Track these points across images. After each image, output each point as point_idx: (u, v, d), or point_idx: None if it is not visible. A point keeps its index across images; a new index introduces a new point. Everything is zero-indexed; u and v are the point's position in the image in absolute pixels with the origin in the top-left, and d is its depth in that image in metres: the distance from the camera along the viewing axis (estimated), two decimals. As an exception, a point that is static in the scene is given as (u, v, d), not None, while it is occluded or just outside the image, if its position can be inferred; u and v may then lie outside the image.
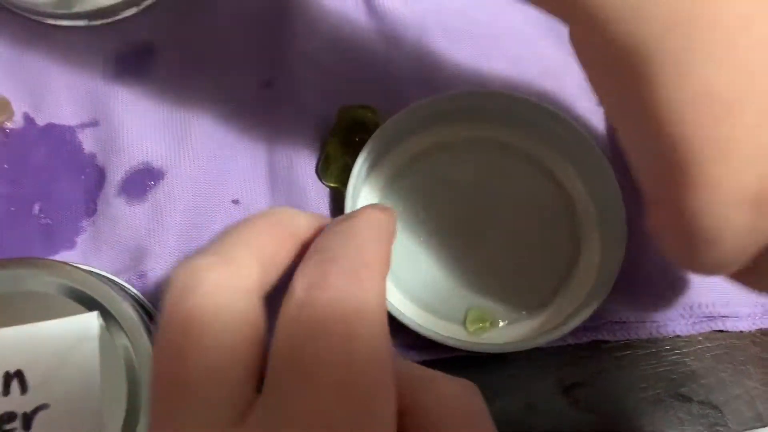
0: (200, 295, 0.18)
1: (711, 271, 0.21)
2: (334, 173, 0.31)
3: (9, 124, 0.33)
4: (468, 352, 0.28)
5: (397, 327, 0.28)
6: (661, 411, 0.30)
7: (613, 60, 0.19)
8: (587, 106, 0.33)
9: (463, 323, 0.30)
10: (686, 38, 0.18)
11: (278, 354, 0.18)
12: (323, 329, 0.18)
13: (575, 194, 0.31)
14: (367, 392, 0.17)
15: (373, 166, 0.31)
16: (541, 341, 0.28)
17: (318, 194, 0.31)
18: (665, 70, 0.18)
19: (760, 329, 0.31)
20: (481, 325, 0.30)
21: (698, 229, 0.19)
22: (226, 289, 0.19)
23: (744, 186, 0.18)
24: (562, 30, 0.20)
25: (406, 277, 0.30)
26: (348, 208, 0.29)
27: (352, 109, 0.32)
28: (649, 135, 0.19)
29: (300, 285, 0.18)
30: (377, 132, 0.30)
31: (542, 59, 0.34)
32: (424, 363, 0.24)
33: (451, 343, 0.28)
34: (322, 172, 0.31)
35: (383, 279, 0.20)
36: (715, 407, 0.30)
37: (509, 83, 0.34)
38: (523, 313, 0.30)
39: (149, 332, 0.27)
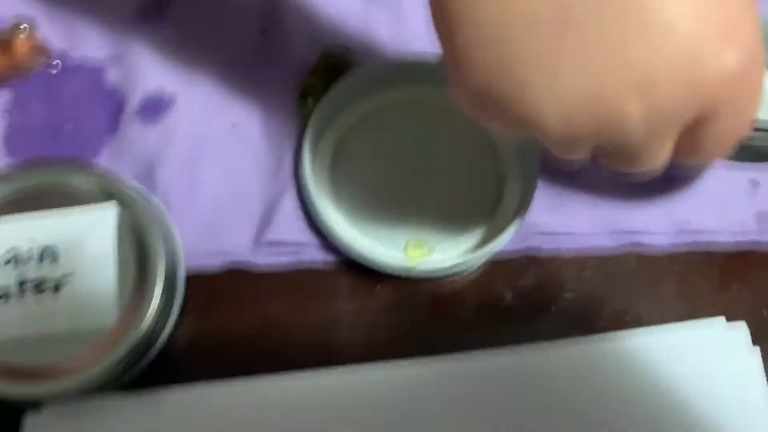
0: None
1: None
2: (309, 106, 0.37)
3: (45, 60, 0.39)
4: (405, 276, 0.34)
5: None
6: (583, 313, 0.35)
7: None
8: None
9: (404, 250, 0.35)
10: None
11: None
12: None
13: (501, 147, 0.37)
14: None
15: (339, 108, 0.37)
16: (475, 259, 0.33)
17: (296, 120, 0.37)
18: None
19: (674, 244, 0.36)
20: (420, 250, 0.35)
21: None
22: None
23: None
24: None
25: (356, 214, 0.35)
26: (307, 140, 0.35)
27: (331, 51, 0.38)
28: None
29: None
30: (344, 80, 0.35)
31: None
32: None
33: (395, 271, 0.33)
34: (301, 102, 0.37)
35: None
36: (633, 312, 0.35)
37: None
38: (458, 238, 0.35)
39: (156, 220, 0.33)
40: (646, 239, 0.36)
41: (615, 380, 0.33)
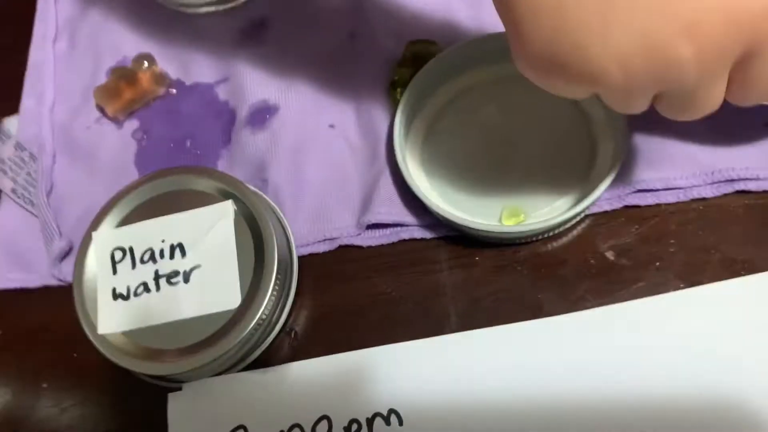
0: None
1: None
2: (398, 95, 0.39)
3: (165, 89, 0.44)
4: (510, 239, 0.35)
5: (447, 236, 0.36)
6: (690, 266, 0.34)
7: None
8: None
9: (500, 221, 0.36)
10: None
11: None
12: None
13: (588, 108, 0.37)
14: None
15: (428, 93, 0.39)
16: (572, 212, 0.34)
17: (388, 111, 0.39)
18: None
19: (782, 188, 0.35)
20: (516, 219, 0.36)
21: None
22: None
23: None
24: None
25: (450, 190, 0.37)
26: (397, 126, 0.37)
27: (418, 42, 0.41)
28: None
29: None
30: (428, 64, 0.37)
31: None
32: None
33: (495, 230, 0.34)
34: (391, 92, 0.40)
35: None
36: (742, 260, 0.34)
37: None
38: (553, 204, 0.36)
39: (268, 213, 0.36)
40: (751, 185, 0.35)
41: (728, 330, 0.32)
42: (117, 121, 0.43)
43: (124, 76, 0.43)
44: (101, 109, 0.44)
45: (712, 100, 0.27)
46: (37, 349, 0.39)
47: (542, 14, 0.25)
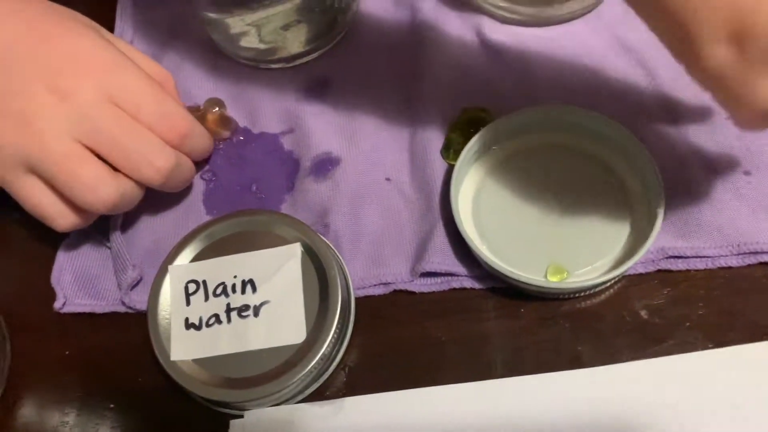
0: None
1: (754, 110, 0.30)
2: (453, 154, 0.43)
3: (235, 135, 0.48)
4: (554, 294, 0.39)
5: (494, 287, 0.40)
6: (716, 327, 0.38)
7: None
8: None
9: (545, 276, 0.39)
10: None
11: None
12: None
13: (625, 177, 0.41)
14: None
15: (479, 155, 0.43)
16: (613, 274, 0.37)
17: (440, 169, 0.43)
18: None
19: (803, 261, 0.38)
20: (560, 276, 0.39)
21: (704, 71, 0.29)
22: None
23: (719, 32, 0.27)
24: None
25: (499, 245, 0.40)
26: (453, 182, 0.40)
27: (471, 109, 0.45)
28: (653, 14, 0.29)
29: None
30: (483, 130, 0.42)
31: (610, 78, 0.45)
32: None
33: (545, 285, 0.38)
34: (444, 153, 0.44)
35: None
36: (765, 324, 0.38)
37: (578, 97, 0.45)
38: (594, 264, 0.39)
39: (332, 257, 0.39)
40: (774, 257, 0.39)
41: (751, 389, 0.36)
42: (187, 163, 0.47)
43: (193, 113, 0.47)
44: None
45: None
46: (103, 371, 0.42)
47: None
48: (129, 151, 0.39)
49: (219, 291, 0.39)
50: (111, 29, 0.52)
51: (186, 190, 0.46)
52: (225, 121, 0.47)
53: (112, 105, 0.39)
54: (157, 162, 0.40)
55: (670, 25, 0.29)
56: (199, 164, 0.47)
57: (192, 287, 0.40)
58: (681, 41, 0.29)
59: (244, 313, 0.39)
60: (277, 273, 0.39)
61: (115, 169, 0.40)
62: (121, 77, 0.40)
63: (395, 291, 0.41)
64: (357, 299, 0.41)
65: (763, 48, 0.27)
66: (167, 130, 0.41)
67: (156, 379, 0.40)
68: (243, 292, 0.39)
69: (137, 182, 0.40)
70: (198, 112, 0.47)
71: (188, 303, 0.39)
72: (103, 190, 0.38)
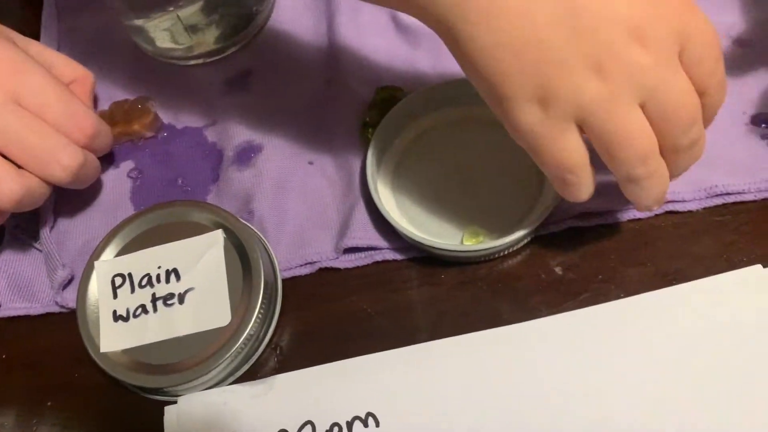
0: None
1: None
2: (369, 135, 0.43)
3: (159, 132, 0.48)
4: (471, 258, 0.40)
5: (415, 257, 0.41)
6: (628, 277, 0.39)
7: (442, 33, 0.32)
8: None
9: (461, 242, 0.40)
10: (468, 10, 0.30)
11: None
12: None
13: None
14: None
15: (396, 131, 0.44)
16: (520, 233, 0.38)
17: (361, 149, 0.44)
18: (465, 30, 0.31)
19: (705, 208, 0.40)
20: (475, 240, 0.40)
21: (517, 126, 0.32)
22: None
23: (527, 94, 0.31)
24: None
25: (418, 217, 0.41)
26: (369, 161, 0.41)
27: (386, 88, 0.46)
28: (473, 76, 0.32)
29: None
30: (396, 106, 0.43)
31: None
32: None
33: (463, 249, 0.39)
34: (361, 133, 0.45)
35: None
36: (675, 270, 0.39)
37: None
38: (507, 228, 0.40)
39: (255, 241, 0.40)
40: (679, 206, 0.40)
41: (662, 334, 0.37)
42: (113, 162, 0.48)
43: (120, 108, 0.48)
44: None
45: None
46: (41, 371, 0.42)
47: None
48: (35, 149, 0.40)
49: (144, 282, 0.40)
50: (37, 37, 0.53)
51: (113, 189, 0.47)
52: (152, 120, 0.48)
53: (17, 106, 0.39)
54: (63, 160, 0.40)
55: (487, 86, 0.32)
56: (125, 163, 0.47)
57: (118, 281, 0.40)
58: (496, 99, 0.32)
59: (169, 302, 0.39)
60: (200, 260, 0.40)
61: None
62: (25, 79, 0.40)
63: (321, 269, 0.42)
64: (284, 280, 0.42)
65: (564, 108, 0.31)
66: (74, 129, 0.41)
67: (92, 374, 0.40)
68: (167, 281, 0.40)
69: (44, 180, 0.41)
70: (126, 105, 0.48)
71: (115, 296, 0.40)
72: (7, 186, 0.39)
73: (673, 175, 0.34)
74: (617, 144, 0.31)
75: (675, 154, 0.33)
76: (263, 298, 0.39)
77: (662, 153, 0.33)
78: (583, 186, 0.34)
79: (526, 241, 0.40)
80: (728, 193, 0.40)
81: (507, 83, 0.31)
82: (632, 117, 0.31)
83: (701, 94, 0.32)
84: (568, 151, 0.32)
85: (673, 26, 0.30)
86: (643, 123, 0.31)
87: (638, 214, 0.40)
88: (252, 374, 0.40)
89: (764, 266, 0.38)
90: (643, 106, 0.31)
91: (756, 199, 0.40)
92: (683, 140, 0.32)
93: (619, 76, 0.30)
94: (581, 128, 0.32)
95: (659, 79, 0.30)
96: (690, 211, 0.40)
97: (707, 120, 0.33)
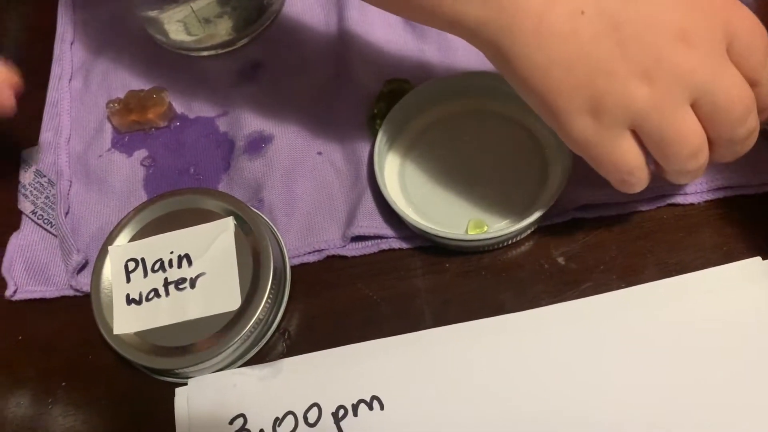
0: None
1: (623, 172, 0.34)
2: (379, 124, 0.44)
3: (172, 122, 0.49)
4: (475, 247, 0.41)
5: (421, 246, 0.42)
6: (629, 268, 0.40)
7: (492, 54, 0.33)
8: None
9: (466, 231, 0.41)
10: (518, 32, 0.32)
11: None
12: None
13: (543, 139, 0.43)
14: None
15: (404, 123, 0.45)
16: (523, 223, 0.39)
17: (369, 140, 0.45)
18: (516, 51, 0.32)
19: (707, 201, 0.41)
20: (479, 230, 0.41)
21: (573, 137, 0.33)
22: None
23: (581, 107, 0.32)
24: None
25: (423, 206, 0.42)
26: (377, 152, 0.42)
27: (394, 81, 0.47)
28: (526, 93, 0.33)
29: None
30: (404, 98, 0.43)
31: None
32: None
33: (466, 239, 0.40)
34: (370, 123, 0.45)
35: None
36: (675, 261, 0.40)
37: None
38: (511, 218, 0.41)
39: (265, 228, 0.41)
40: (680, 199, 0.41)
41: (662, 324, 0.38)
42: (127, 151, 0.49)
43: (135, 97, 0.49)
44: (113, 139, 0.49)
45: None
46: (56, 352, 0.43)
47: None
48: None
49: (157, 267, 0.41)
50: (52, 27, 0.54)
51: (126, 177, 0.48)
52: (167, 110, 0.49)
53: None
54: None
55: (541, 102, 0.33)
56: (138, 151, 0.49)
57: (131, 265, 0.41)
58: (551, 113, 0.34)
59: (181, 286, 0.41)
60: (211, 246, 0.41)
61: None
62: None
63: (329, 257, 0.43)
64: (293, 267, 0.43)
65: (616, 117, 0.32)
66: None
67: (105, 355, 0.42)
68: (179, 266, 0.41)
69: None
70: (141, 95, 0.49)
71: (128, 280, 0.41)
72: None
73: (729, 161, 0.35)
74: (670, 145, 0.33)
75: (732, 145, 0.34)
76: (272, 283, 0.40)
77: (718, 143, 0.34)
78: (641, 183, 0.35)
79: (529, 231, 0.41)
80: (729, 187, 0.40)
81: (561, 98, 0.32)
82: (684, 118, 0.32)
83: (753, 85, 0.33)
84: (624, 157, 0.34)
85: (717, 23, 0.32)
86: (694, 122, 0.33)
87: (640, 207, 0.41)
88: (261, 357, 0.41)
89: (764, 258, 0.38)
90: (695, 104, 0.32)
91: (756, 192, 0.40)
92: (740, 131, 0.33)
93: (666, 80, 0.31)
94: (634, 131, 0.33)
95: (709, 76, 0.31)
96: (691, 204, 0.41)
97: (762, 110, 0.34)
